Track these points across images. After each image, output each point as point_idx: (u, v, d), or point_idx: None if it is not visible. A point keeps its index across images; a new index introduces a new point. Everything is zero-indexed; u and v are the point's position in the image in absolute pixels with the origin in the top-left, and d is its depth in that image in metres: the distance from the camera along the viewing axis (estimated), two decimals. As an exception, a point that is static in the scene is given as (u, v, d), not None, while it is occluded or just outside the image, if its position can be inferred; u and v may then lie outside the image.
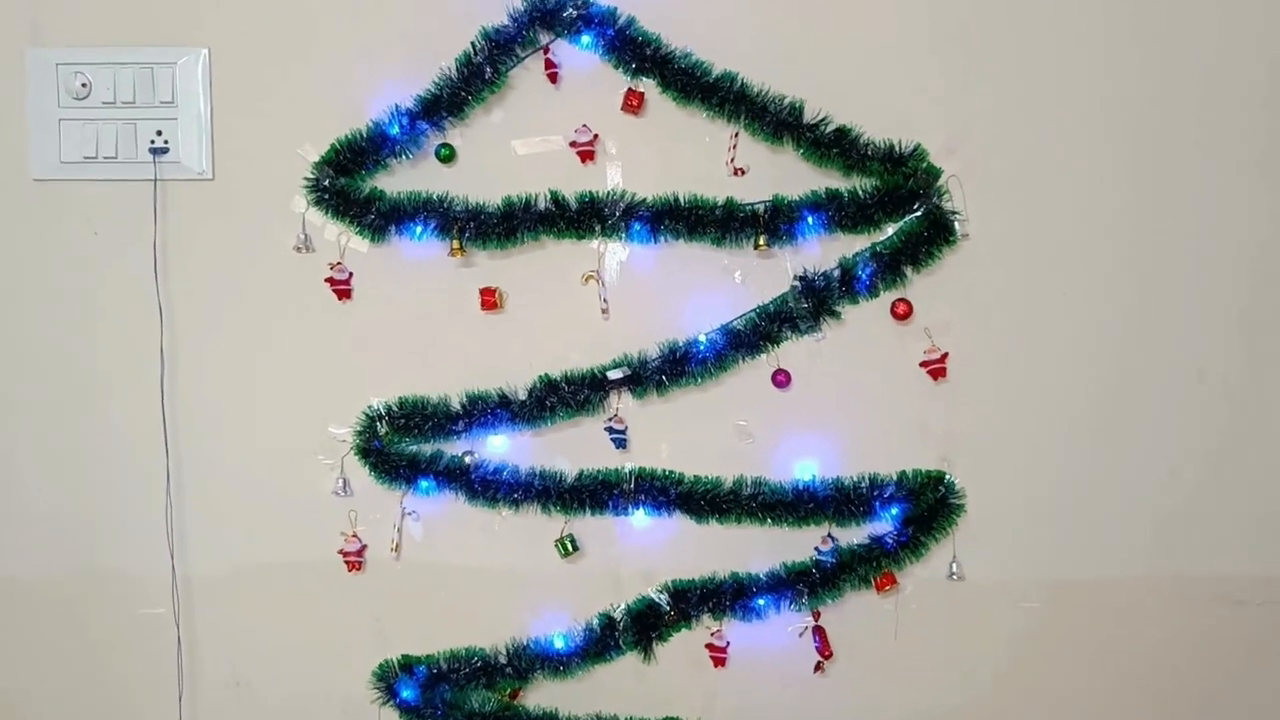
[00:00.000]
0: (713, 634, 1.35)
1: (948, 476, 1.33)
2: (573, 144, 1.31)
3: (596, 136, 1.30)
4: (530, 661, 1.34)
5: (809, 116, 1.27)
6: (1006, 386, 1.34)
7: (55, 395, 1.37)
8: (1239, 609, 1.37)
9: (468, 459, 1.33)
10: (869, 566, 1.32)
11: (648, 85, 1.29)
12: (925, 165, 1.28)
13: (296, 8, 1.32)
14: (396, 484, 1.34)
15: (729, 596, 1.33)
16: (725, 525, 1.32)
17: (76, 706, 1.41)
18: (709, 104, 1.27)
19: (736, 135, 1.30)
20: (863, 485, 1.32)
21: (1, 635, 1.40)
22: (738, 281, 1.33)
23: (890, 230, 1.30)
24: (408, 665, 1.36)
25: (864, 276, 1.30)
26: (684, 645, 1.36)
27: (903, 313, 1.31)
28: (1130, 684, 1.38)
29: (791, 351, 1.33)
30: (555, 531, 1.34)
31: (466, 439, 1.33)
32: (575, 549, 1.34)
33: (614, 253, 1.33)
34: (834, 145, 1.27)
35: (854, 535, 1.33)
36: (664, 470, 1.33)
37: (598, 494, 1.32)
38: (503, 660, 1.35)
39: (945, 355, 1.32)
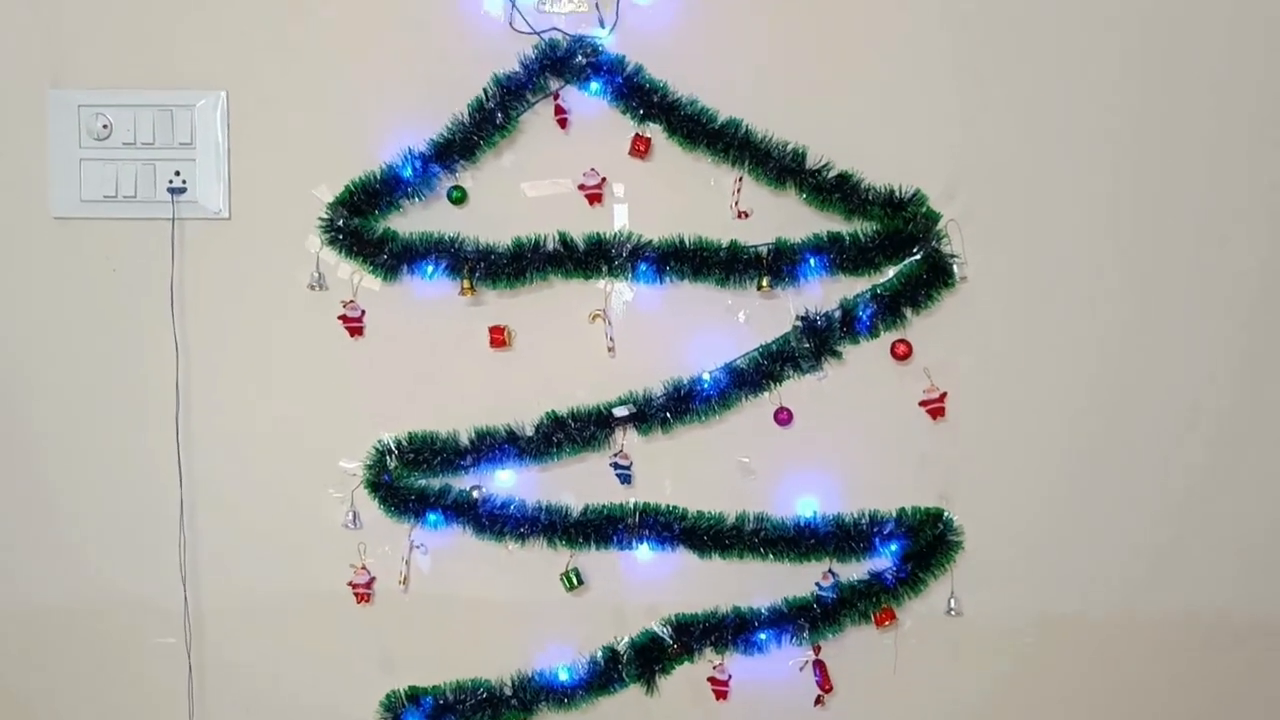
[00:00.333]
0: (715, 667, 1.37)
1: (946, 514, 1.36)
2: (581, 187, 1.34)
3: (604, 180, 1.34)
4: (535, 693, 1.36)
5: (811, 162, 1.30)
6: (1004, 426, 1.37)
7: (72, 427, 1.39)
8: (1235, 646, 1.39)
9: (475, 493, 1.35)
10: (869, 602, 1.34)
11: (654, 131, 1.32)
12: (925, 210, 1.31)
13: (312, 53, 1.35)
14: (405, 517, 1.36)
15: (731, 630, 1.35)
16: (728, 560, 1.35)
17: (88, 734, 1.43)
18: (714, 149, 1.31)
19: (741, 180, 1.33)
20: (863, 522, 1.34)
21: (15, 663, 1.42)
22: (741, 321, 1.36)
23: (890, 273, 1.33)
24: (414, 696, 1.38)
25: (865, 317, 1.33)
26: (686, 678, 1.38)
27: (902, 353, 1.34)
28: None
29: (794, 390, 1.35)
30: (561, 565, 1.36)
31: (474, 474, 1.36)
32: (580, 582, 1.36)
33: (620, 293, 1.36)
34: (836, 190, 1.30)
35: (854, 571, 1.36)
36: (668, 506, 1.35)
37: (602, 528, 1.35)
38: (508, 692, 1.37)
39: (944, 395, 1.35)
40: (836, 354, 1.35)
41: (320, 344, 1.37)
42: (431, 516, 1.35)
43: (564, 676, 1.37)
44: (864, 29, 1.33)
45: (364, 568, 1.38)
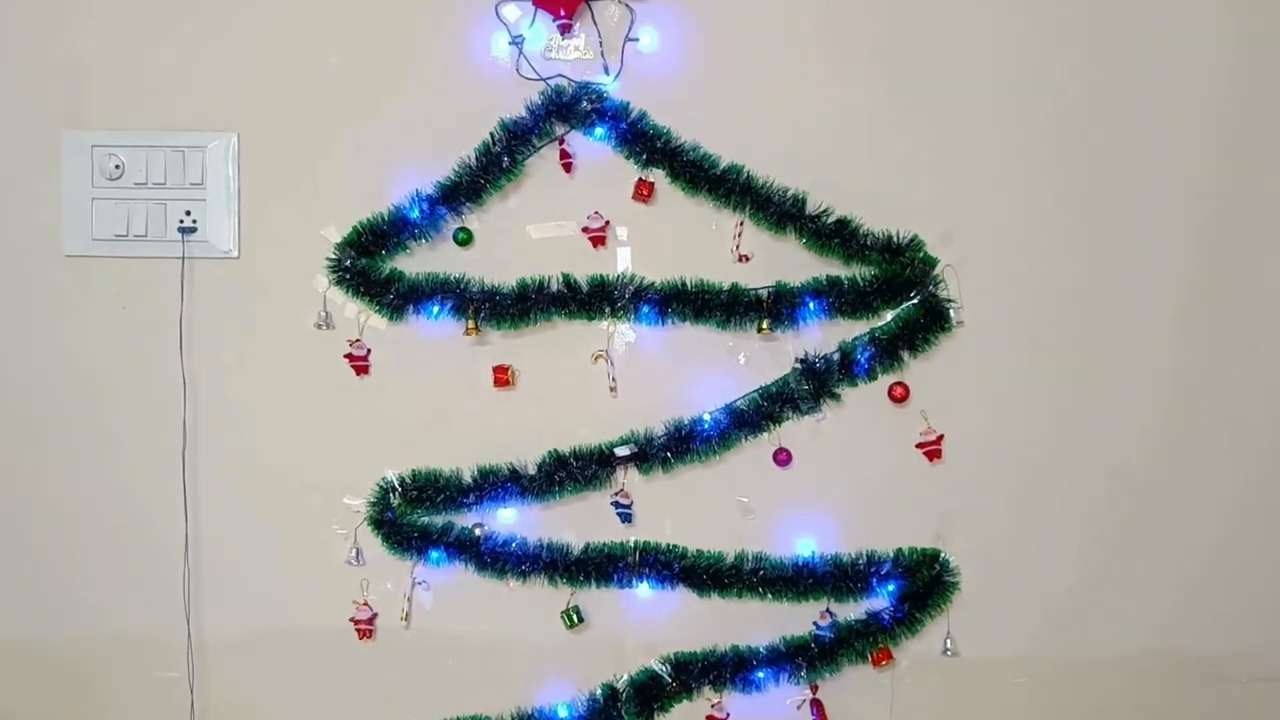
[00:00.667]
0: (713, 705, 1.38)
1: (943, 554, 1.37)
2: (585, 229, 1.36)
3: (608, 223, 1.36)
4: (535, 730, 1.38)
5: (811, 208, 1.33)
6: (999, 468, 1.38)
7: (80, 462, 1.41)
8: (1230, 688, 1.41)
9: (478, 531, 1.37)
10: (866, 642, 1.35)
11: (657, 175, 1.35)
12: (922, 255, 1.34)
13: (322, 96, 1.38)
14: (408, 554, 1.38)
15: (729, 669, 1.36)
16: (727, 599, 1.36)
17: (89, 767, 1.44)
18: (716, 194, 1.33)
19: (742, 224, 1.35)
20: (860, 562, 1.36)
21: (19, 696, 1.43)
22: (741, 363, 1.38)
23: (888, 316, 1.35)
24: (415, 732, 1.39)
25: (863, 360, 1.35)
26: (685, 716, 1.39)
27: (900, 395, 1.36)
28: (1120, 760, 1.42)
29: (792, 431, 1.37)
30: (561, 603, 1.37)
31: (477, 511, 1.37)
32: (580, 620, 1.38)
33: (623, 333, 1.38)
34: (835, 235, 1.33)
35: (852, 611, 1.37)
36: (668, 544, 1.37)
37: (603, 567, 1.36)
38: (508, 728, 1.38)
39: (941, 437, 1.36)
40: (835, 396, 1.37)
41: (326, 382, 1.39)
42: (434, 554, 1.37)
43: (564, 714, 1.38)
44: (863, 78, 1.36)
45: (366, 604, 1.40)
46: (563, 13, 1.31)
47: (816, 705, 1.38)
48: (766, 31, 1.35)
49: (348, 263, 1.35)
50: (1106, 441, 1.38)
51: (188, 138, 1.38)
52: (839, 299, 1.34)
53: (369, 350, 1.38)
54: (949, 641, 1.38)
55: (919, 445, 1.37)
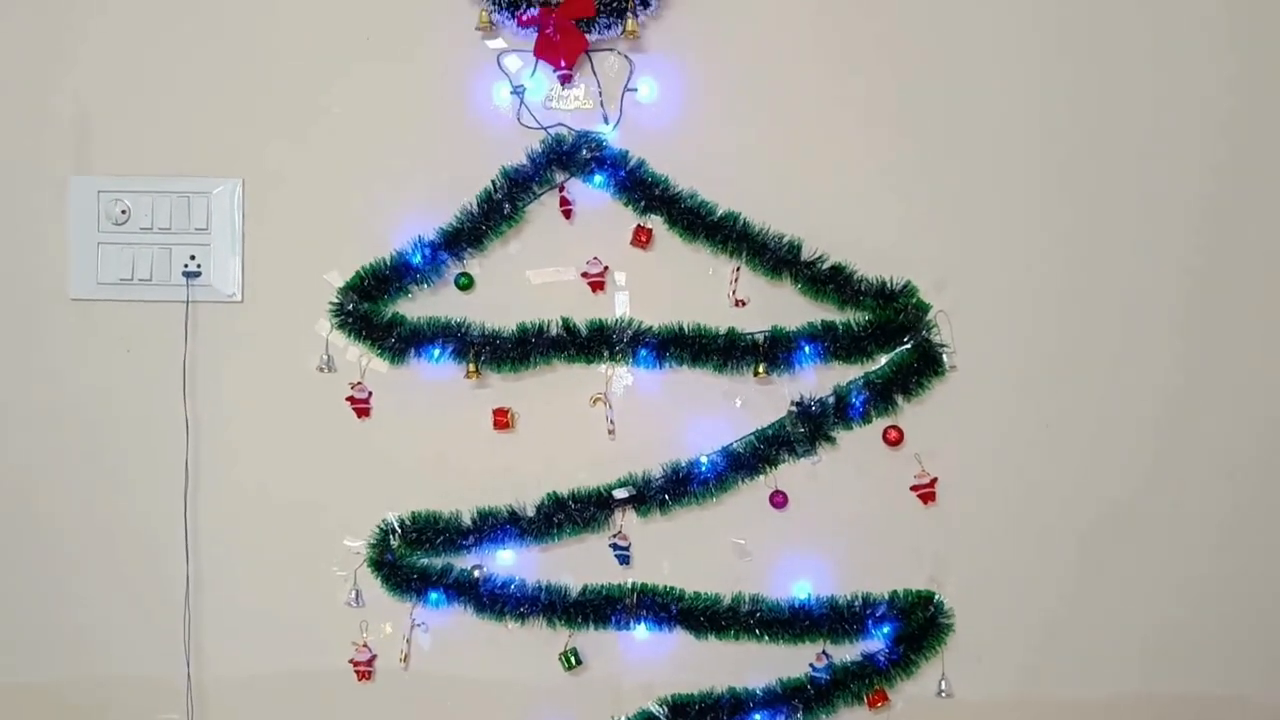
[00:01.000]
0: (710, 747, 1.39)
1: (937, 596, 1.39)
2: (584, 275, 1.38)
3: (607, 268, 1.38)
4: (533, 772, 1.38)
5: (806, 254, 1.35)
6: (993, 510, 1.40)
7: (83, 504, 1.42)
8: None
9: (477, 573, 1.38)
10: (862, 684, 1.36)
11: (655, 222, 1.37)
12: (915, 301, 1.36)
13: (326, 144, 1.40)
14: (407, 596, 1.39)
15: (726, 711, 1.37)
16: (724, 641, 1.37)
17: (86, 810, 1.44)
18: (713, 241, 1.36)
19: (738, 269, 1.37)
20: (856, 604, 1.37)
21: (17, 738, 1.43)
22: (738, 406, 1.39)
23: (882, 360, 1.37)
24: (413, 774, 1.39)
25: (857, 404, 1.37)
26: (682, 758, 1.40)
27: (894, 439, 1.38)
28: (1114, 801, 1.43)
29: (789, 474, 1.39)
30: (560, 645, 1.38)
31: (476, 553, 1.38)
32: (578, 662, 1.39)
33: (621, 377, 1.40)
34: (830, 281, 1.35)
35: (847, 653, 1.38)
36: (665, 586, 1.38)
37: (601, 609, 1.37)
38: (506, 770, 1.39)
39: (935, 480, 1.38)
40: (830, 439, 1.38)
41: (328, 424, 1.40)
42: (433, 595, 1.38)
43: (561, 755, 1.39)
44: (859, 128, 1.39)
45: (365, 645, 1.40)
46: (563, 63, 1.34)
47: (813, 747, 1.39)
48: (762, 82, 1.38)
49: (350, 307, 1.37)
50: (1097, 484, 1.40)
51: (193, 183, 1.40)
52: (834, 343, 1.36)
53: (370, 393, 1.40)
54: (944, 683, 1.39)
55: (913, 488, 1.38)
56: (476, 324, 1.37)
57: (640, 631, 1.38)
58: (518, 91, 1.37)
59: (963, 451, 1.39)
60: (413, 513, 1.38)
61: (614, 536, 1.38)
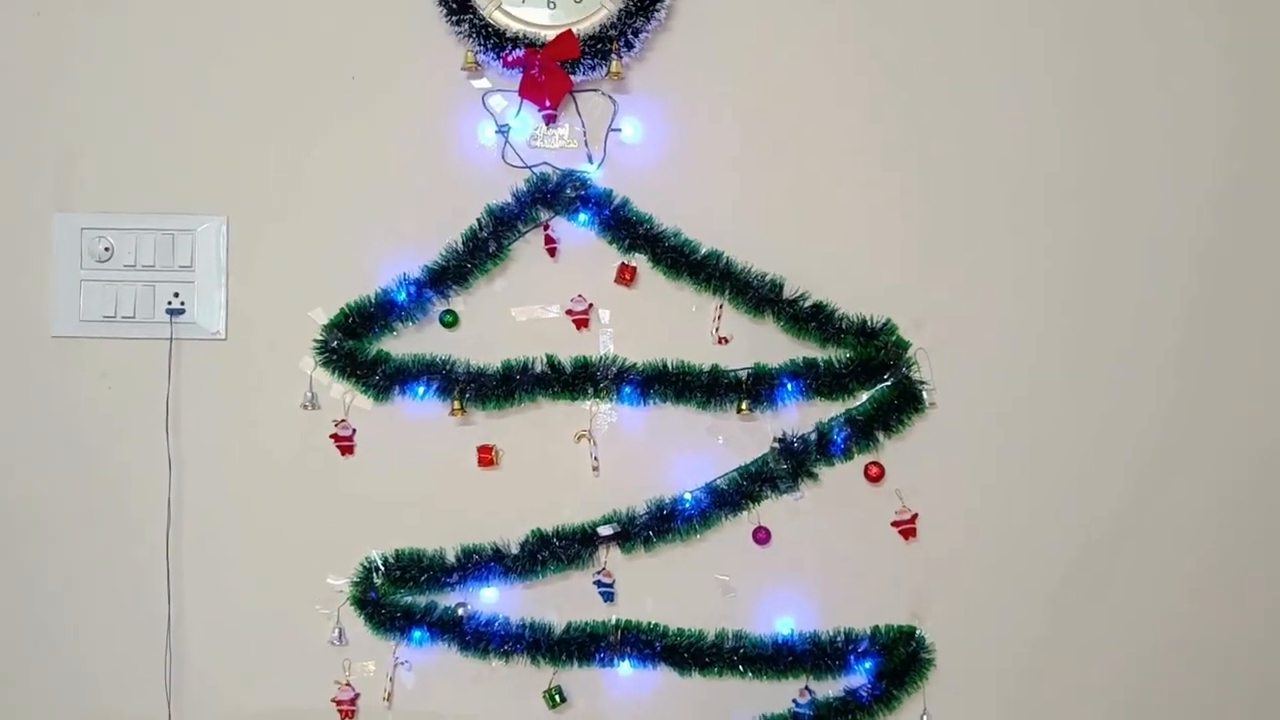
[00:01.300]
0: (694, 784, 1.39)
1: (918, 632, 1.40)
2: (569, 312, 1.39)
3: (591, 306, 1.39)
4: (516, 811, 1.38)
5: (789, 292, 1.37)
6: (973, 546, 1.42)
7: (65, 541, 1.41)
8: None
9: (460, 611, 1.38)
10: (845, 719, 1.37)
11: (639, 260, 1.39)
12: (895, 339, 1.38)
13: (311, 181, 1.40)
14: (391, 634, 1.38)
15: (710, 748, 1.38)
16: (707, 678, 1.38)
17: None
18: (696, 279, 1.37)
19: (721, 307, 1.39)
20: (838, 640, 1.38)
21: (-7, 781, 1.42)
22: (721, 443, 1.40)
23: (864, 398, 1.39)
24: (396, 814, 1.38)
25: (839, 440, 1.38)
26: (666, 795, 1.40)
27: (875, 475, 1.39)
28: (1095, 835, 1.43)
29: (771, 510, 1.40)
30: (544, 682, 1.38)
31: (460, 591, 1.38)
32: (563, 700, 1.38)
33: (605, 414, 1.40)
34: (811, 319, 1.37)
35: (830, 688, 1.39)
36: (649, 623, 1.38)
37: (585, 646, 1.37)
38: (489, 809, 1.38)
39: (915, 516, 1.40)
40: (813, 475, 1.40)
41: (311, 462, 1.40)
42: (416, 633, 1.37)
43: (545, 794, 1.38)
44: (839, 168, 1.41)
45: (349, 684, 1.39)
46: (548, 104, 1.35)
47: (796, 783, 1.39)
48: (744, 123, 1.40)
49: (335, 344, 1.37)
50: (1077, 519, 1.42)
51: (177, 221, 1.40)
52: (816, 380, 1.37)
53: (354, 430, 1.40)
54: (926, 718, 1.40)
55: (894, 524, 1.40)
56: (461, 361, 1.38)
57: (624, 669, 1.38)
58: (503, 131, 1.38)
59: (943, 487, 1.41)
60: (396, 550, 1.38)
61: (598, 573, 1.38)
